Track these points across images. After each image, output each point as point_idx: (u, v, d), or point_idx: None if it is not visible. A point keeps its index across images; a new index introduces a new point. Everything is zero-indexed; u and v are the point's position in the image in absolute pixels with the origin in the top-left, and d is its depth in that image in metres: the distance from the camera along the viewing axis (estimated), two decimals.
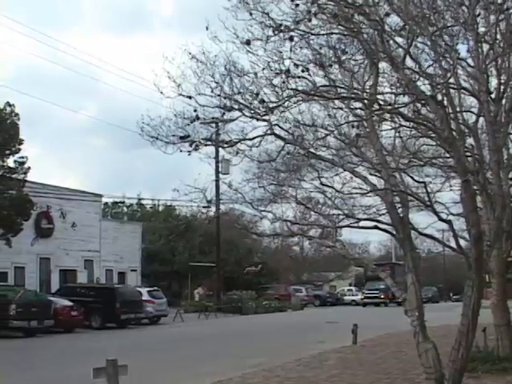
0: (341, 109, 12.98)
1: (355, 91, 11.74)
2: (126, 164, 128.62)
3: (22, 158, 36.25)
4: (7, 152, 35.31)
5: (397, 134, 14.60)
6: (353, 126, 12.60)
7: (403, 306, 10.94)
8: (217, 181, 38.62)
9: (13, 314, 29.67)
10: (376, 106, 11.37)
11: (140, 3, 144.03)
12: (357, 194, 16.42)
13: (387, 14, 10.76)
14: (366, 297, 66.14)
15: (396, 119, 13.45)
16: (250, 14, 10.97)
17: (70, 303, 33.87)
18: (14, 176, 35.92)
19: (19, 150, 35.55)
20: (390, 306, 59.54)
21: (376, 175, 13.31)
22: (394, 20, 11.15)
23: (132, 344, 26.65)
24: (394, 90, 12.38)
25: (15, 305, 29.95)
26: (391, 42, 11.05)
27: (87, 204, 50.01)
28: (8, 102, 35.27)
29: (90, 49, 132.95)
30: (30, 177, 37.37)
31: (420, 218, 20.52)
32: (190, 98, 11.22)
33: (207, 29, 10.98)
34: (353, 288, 79.48)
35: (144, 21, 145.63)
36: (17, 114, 35.43)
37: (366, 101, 11.34)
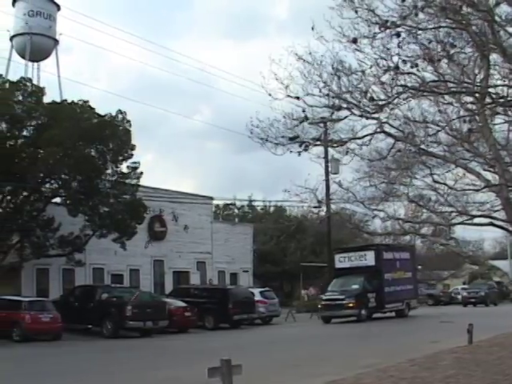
0: (451, 104, 12.74)
1: (466, 85, 11.50)
2: (238, 166, 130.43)
3: (135, 163, 37.15)
4: (120, 158, 36.22)
5: (511, 128, 14.21)
6: (464, 121, 12.36)
7: None
8: (327, 180, 38.49)
9: (129, 315, 30.47)
10: (488, 100, 11.12)
11: (255, 8, 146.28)
12: (470, 190, 16.05)
13: (497, 4, 10.48)
14: (325, 304, 40.00)
15: (509, 112, 13.07)
16: (356, 11, 10.90)
17: (184, 304, 34.49)
18: (127, 181, 36.83)
19: (132, 155, 36.42)
20: (370, 321, 39.05)
21: (490, 170, 13.00)
22: (504, 9, 10.83)
23: (245, 344, 26.85)
24: (506, 82, 12.03)
25: (131, 306, 30.76)
26: (502, 32, 10.75)
27: (198, 207, 50.73)
28: (120, 110, 36.15)
29: (204, 55, 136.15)
30: (143, 181, 38.28)
31: None
32: (297, 98, 11.28)
33: (313, 29, 11.00)
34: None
35: (259, 25, 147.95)
36: (128, 121, 36.24)
37: (477, 94, 11.11)
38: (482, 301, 58.81)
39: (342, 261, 43.01)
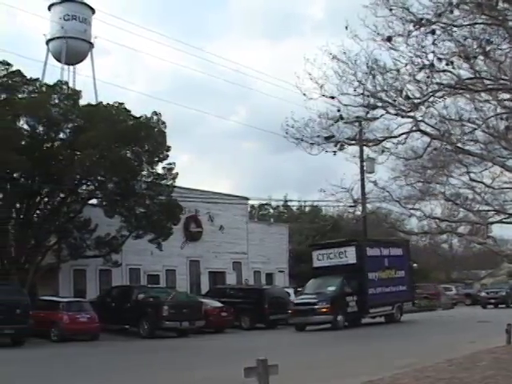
0: (488, 101, 12.62)
1: (503, 82, 11.38)
2: (273, 166, 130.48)
3: (170, 164, 37.27)
4: (156, 159, 36.40)
5: None
6: (501, 119, 12.24)
7: None
8: (362, 180, 38.21)
9: (166, 315, 30.63)
10: None
11: (291, 8, 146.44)
12: (508, 188, 15.88)
13: None
14: (295, 309, 34.27)
15: None
16: (390, 10, 10.86)
17: (220, 304, 34.61)
18: (163, 182, 36.99)
19: (167, 156, 36.54)
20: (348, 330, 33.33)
21: None
22: None
23: (281, 344, 26.86)
24: None
25: (168, 306, 30.90)
26: None
27: (234, 207, 50.77)
28: (155, 111, 36.29)
29: (238, 55, 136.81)
30: (179, 182, 38.39)
31: None
32: (332, 98, 11.27)
33: (347, 28, 10.98)
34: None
35: (294, 25, 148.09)
36: (163, 122, 36.36)
37: None
38: (502, 301, 54.53)
39: (320, 259, 37.39)
